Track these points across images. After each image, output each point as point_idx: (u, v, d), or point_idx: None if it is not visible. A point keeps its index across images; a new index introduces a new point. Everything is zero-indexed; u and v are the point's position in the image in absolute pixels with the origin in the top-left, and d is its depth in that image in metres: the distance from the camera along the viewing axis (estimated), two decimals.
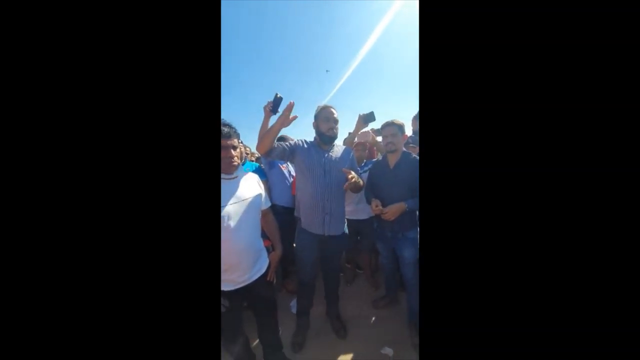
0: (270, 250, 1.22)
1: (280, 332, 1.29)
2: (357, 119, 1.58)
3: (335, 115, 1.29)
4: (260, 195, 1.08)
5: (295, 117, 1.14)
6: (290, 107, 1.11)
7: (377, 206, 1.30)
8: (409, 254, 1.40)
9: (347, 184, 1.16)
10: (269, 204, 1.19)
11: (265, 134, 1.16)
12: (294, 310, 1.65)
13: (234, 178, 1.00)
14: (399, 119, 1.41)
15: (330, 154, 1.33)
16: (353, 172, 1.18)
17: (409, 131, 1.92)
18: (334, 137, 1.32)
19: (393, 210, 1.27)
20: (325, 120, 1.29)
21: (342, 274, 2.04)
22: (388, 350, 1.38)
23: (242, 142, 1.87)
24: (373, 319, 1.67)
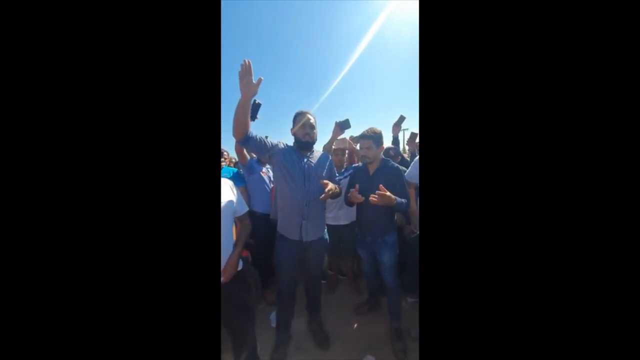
0: (247, 260, 1.15)
1: (258, 348, 1.21)
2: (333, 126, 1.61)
3: (311, 121, 1.27)
4: (232, 202, 1.02)
5: (260, 80, 0.98)
6: (245, 68, 0.94)
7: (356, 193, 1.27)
8: (388, 258, 1.42)
9: (323, 195, 1.15)
10: (245, 210, 1.12)
11: (236, 111, 1.04)
12: (273, 324, 1.56)
13: None
14: (377, 128, 1.43)
15: (309, 159, 1.31)
16: (331, 184, 1.16)
17: (388, 138, 1.97)
18: (311, 143, 1.30)
19: (383, 195, 1.17)
20: (301, 127, 1.28)
21: (324, 282, 2.00)
22: (370, 359, 1.36)
23: None
24: (355, 325, 1.64)
